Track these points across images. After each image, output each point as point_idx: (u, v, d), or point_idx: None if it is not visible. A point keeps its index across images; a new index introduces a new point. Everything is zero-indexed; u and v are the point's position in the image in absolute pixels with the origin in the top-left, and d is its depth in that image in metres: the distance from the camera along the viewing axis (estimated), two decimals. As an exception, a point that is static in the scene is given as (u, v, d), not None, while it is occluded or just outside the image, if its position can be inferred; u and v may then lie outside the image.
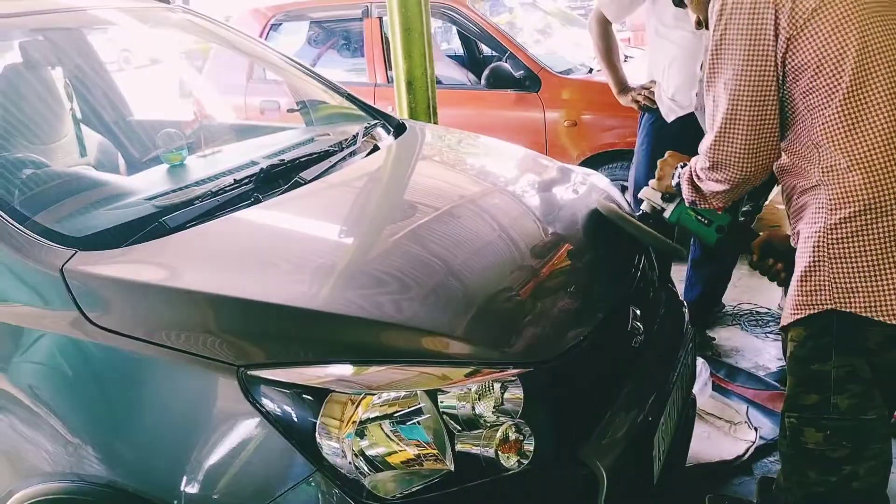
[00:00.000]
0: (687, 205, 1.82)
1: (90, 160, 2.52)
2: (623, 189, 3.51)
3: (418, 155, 2.41)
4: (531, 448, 1.40)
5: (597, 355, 1.61)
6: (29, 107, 2.44)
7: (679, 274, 3.40)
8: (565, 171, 2.33)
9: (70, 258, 1.46)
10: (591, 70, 4.38)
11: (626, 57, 4.70)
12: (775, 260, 1.83)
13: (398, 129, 2.46)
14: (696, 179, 1.70)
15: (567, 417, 1.49)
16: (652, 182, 1.96)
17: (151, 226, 1.60)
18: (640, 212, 2.00)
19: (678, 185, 1.81)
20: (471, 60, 5.30)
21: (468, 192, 2.09)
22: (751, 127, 1.51)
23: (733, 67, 1.50)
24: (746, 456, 2.45)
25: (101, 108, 2.78)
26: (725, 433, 2.58)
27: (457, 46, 5.62)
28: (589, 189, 2.22)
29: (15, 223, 1.50)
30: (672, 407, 1.77)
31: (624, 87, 3.14)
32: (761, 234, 1.90)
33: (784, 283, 1.82)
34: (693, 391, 2.51)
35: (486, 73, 4.32)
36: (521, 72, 4.24)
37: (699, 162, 1.66)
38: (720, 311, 3.41)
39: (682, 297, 3.11)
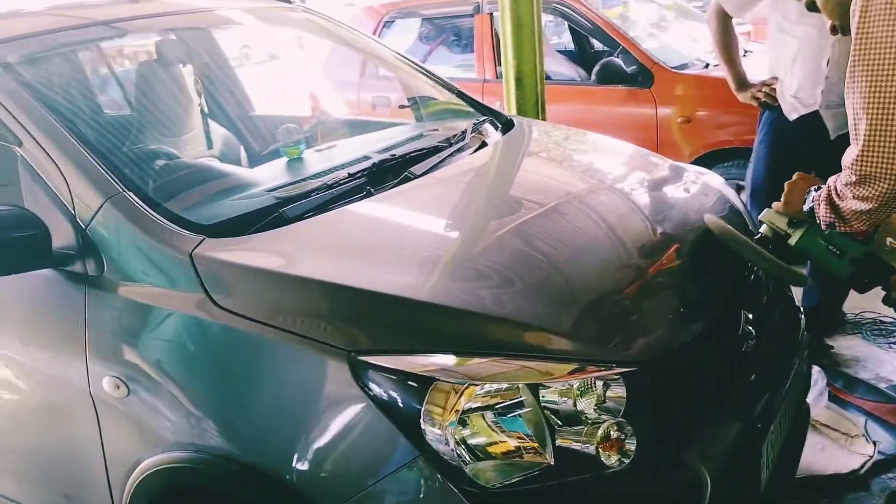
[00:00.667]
0: (824, 228, 1.68)
1: (215, 152, 2.67)
2: (738, 189, 3.41)
3: (525, 151, 2.42)
4: (633, 447, 1.39)
5: (704, 358, 1.58)
6: (161, 101, 2.61)
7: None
8: (677, 170, 2.28)
9: (199, 244, 1.56)
10: (707, 65, 4.25)
11: (746, 52, 4.53)
12: None
13: (506, 125, 2.48)
14: (835, 198, 1.58)
15: (671, 419, 1.47)
16: (776, 205, 1.83)
17: (272, 216, 1.69)
18: (759, 234, 1.86)
19: (811, 209, 1.69)
20: (581, 55, 5.24)
21: (574, 189, 2.08)
22: None
23: (880, 70, 1.40)
24: (863, 470, 2.33)
25: (227, 104, 2.93)
26: (841, 446, 2.47)
27: (567, 41, 5.58)
28: (702, 189, 2.17)
29: (149, 209, 1.61)
30: (783, 415, 1.72)
31: (743, 84, 3.04)
32: None
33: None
34: (807, 401, 2.43)
35: (596, 68, 4.27)
36: (633, 67, 4.17)
37: (842, 178, 1.54)
38: (840, 318, 3.25)
39: (799, 303, 3.01)
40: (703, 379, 1.58)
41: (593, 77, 4.31)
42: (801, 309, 2.18)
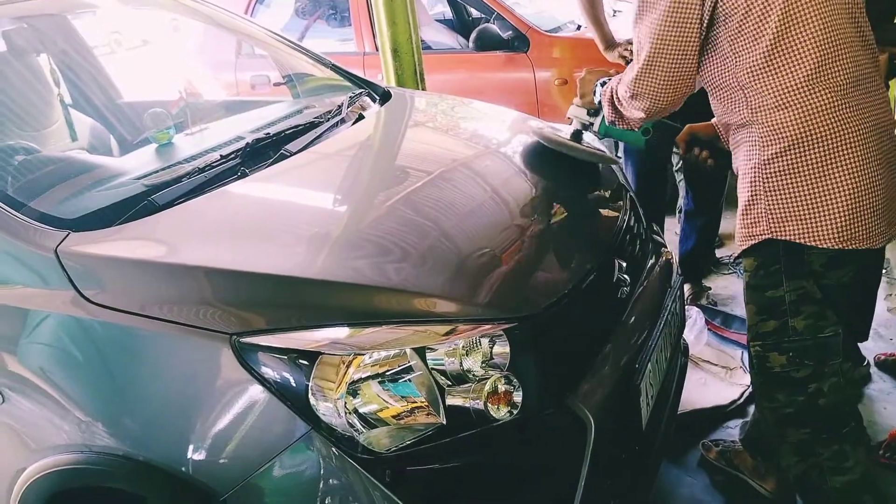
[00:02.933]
0: (608, 123, 1.92)
1: (82, 144, 2.54)
2: (616, 145, 3.54)
3: (403, 121, 2.43)
4: (520, 399, 1.45)
5: (582, 308, 1.65)
6: (17, 94, 2.46)
7: (674, 227, 3.44)
8: (549, 131, 2.34)
9: (63, 239, 1.50)
10: (579, 27, 4.36)
11: (616, 12, 4.68)
12: (700, 149, 1.96)
13: (384, 97, 2.48)
14: (616, 103, 1.80)
15: (554, 368, 1.54)
16: (576, 100, 2.05)
17: (141, 204, 1.64)
18: (572, 130, 2.08)
19: (600, 102, 1.91)
20: (460, 24, 5.27)
21: (451, 156, 2.11)
22: (672, 66, 1.61)
23: (660, 11, 1.57)
24: (741, 399, 2.50)
25: (90, 92, 2.79)
26: (721, 379, 2.63)
27: (447, 11, 5.59)
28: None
29: (6, 207, 1.54)
30: (660, 353, 1.82)
31: (610, 44, 3.13)
32: (684, 128, 2.00)
33: (714, 170, 1.98)
34: (688, 339, 2.58)
35: (473, 35, 4.31)
36: (509, 32, 4.23)
37: (620, 89, 1.75)
38: (715, 261, 3.44)
39: (676, 249, 3.17)
40: (582, 327, 1.65)
41: (471, 44, 4.35)
42: (674, 253, 2.30)
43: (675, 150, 2.06)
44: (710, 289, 3.21)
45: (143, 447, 1.41)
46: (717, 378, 2.64)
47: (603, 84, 1.90)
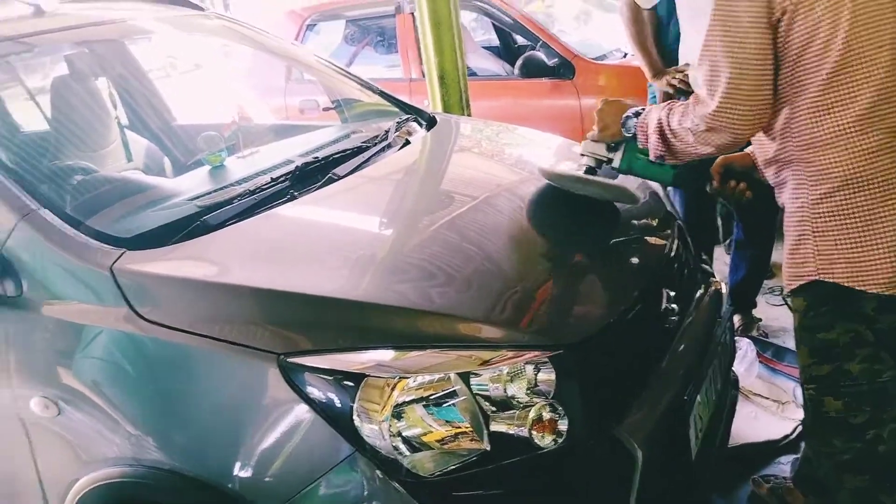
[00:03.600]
0: (653, 158, 1.73)
1: (138, 165, 2.62)
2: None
3: (448, 146, 2.45)
4: (565, 427, 1.43)
5: (628, 337, 1.63)
6: (77, 116, 2.55)
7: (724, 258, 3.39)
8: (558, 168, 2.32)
9: (119, 258, 1.53)
10: (625, 55, 4.35)
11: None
12: (737, 182, 1.84)
13: (430, 122, 2.50)
14: (669, 136, 1.66)
15: (601, 397, 1.51)
16: (591, 134, 1.88)
17: (193, 224, 1.67)
18: (584, 167, 1.91)
19: (634, 135, 1.75)
20: (506, 51, 5.31)
21: (496, 181, 2.12)
22: (753, 95, 1.50)
23: (734, 39, 1.49)
24: (794, 435, 2.43)
25: (146, 115, 2.88)
26: (773, 413, 2.56)
27: (493, 38, 5.64)
28: (623, 176, 2.23)
29: (66, 225, 1.58)
30: (709, 385, 1.78)
31: (658, 71, 3.11)
32: (718, 159, 1.85)
33: (750, 202, 1.86)
34: (738, 371, 2.52)
35: (519, 62, 4.33)
36: (555, 59, 4.24)
37: (685, 122, 1.61)
38: (768, 292, 3.38)
39: (726, 280, 3.11)
40: (630, 356, 1.63)
41: (517, 71, 4.37)
42: (724, 284, 2.26)
43: (708, 184, 1.91)
44: (760, 320, 3.14)
45: (191, 463, 1.43)
46: (768, 412, 2.57)
47: (637, 115, 1.75)
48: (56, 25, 2.37)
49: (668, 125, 1.66)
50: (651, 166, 1.82)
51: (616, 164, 1.86)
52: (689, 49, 2.87)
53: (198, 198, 1.82)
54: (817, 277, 1.57)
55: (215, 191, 1.87)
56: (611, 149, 1.86)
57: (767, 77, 1.50)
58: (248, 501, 1.38)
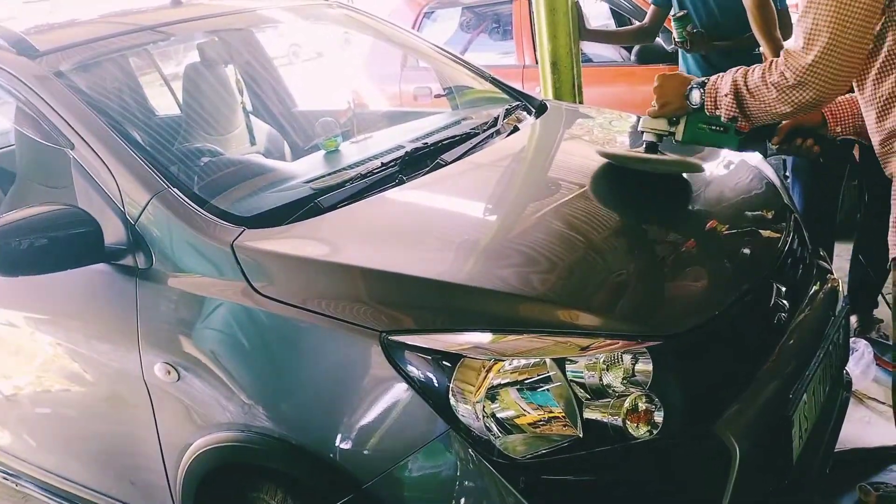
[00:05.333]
0: (725, 120, 1.74)
1: (259, 148, 2.76)
2: (784, 164, 3.36)
3: (557, 134, 2.45)
4: (660, 419, 1.42)
5: (733, 330, 1.60)
6: (207, 101, 2.72)
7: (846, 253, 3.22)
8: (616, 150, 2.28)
9: (239, 235, 1.64)
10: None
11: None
12: (804, 138, 1.86)
13: (539, 109, 2.51)
14: (746, 96, 1.66)
15: (700, 391, 1.50)
16: (650, 110, 1.89)
17: (308, 206, 1.76)
18: (644, 143, 1.92)
19: (700, 104, 1.77)
20: (623, 36, 5.19)
21: (600, 170, 2.10)
22: (849, 55, 1.49)
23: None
24: (910, 442, 2.30)
25: (269, 101, 3.03)
26: (888, 418, 2.43)
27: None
28: (739, 166, 2.17)
29: (193, 204, 1.70)
30: (817, 385, 1.72)
31: (781, 58, 2.99)
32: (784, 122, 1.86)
33: (819, 156, 1.88)
34: (852, 373, 2.41)
35: (635, 48, 4.24)
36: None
37: (768, 78, 1.60)
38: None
39: (846, 278, 2.96)
40: (733, 351, 1.60)
41: (633, 57, 4.28)
42: (841, 281, 2.16)
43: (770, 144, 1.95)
44: (881, 321, 2.98)
45: (297, 431, 1.52)
46: (883, 417, 2.44)
47: (702, 85, 1.77)
48: (190, 15, 2.54)
49: (746, 84, 1.66)
50: (716, 135, 1.83)
51: (679, 136, 1.87)
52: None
53: (313, 181, 1.91)
54: None
55: (329, 174, 1.96)
56: (672, 123, 1.88)
57: (869, 38, 1.50)
58: (346, 471, 1.45)
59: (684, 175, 2.03)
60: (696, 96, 1.79)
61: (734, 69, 1.71)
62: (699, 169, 1.99)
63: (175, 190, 1.72)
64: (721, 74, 1.74)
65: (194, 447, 1.64)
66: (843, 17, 1.47)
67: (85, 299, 1.83)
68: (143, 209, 1.69)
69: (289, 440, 1.52)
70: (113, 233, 1.70)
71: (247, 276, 1.57)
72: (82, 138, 1.77)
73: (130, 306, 1.69)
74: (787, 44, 1.61)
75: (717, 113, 1.75)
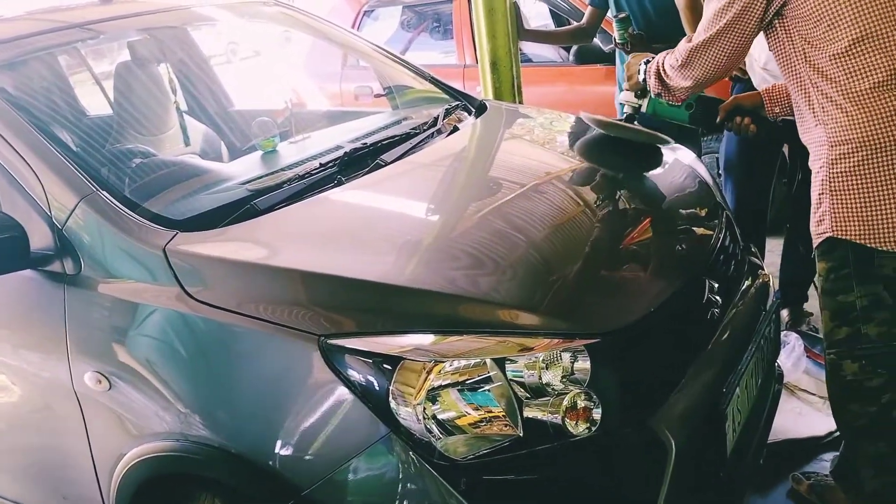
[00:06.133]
0: (653, 96, 2.04)
1: (195, 149, 2.70)
2: (717, 162, 3.45)
3: (497, 134, 2.46)
4: (599, 416, 1.44)
5: (668, 327, 1.62)
6: (139, 101, 2.64)
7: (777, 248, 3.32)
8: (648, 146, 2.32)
9: (172, 238, 1.60)
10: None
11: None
12: (742, 117, 2.04)
13: (479, 109, 2.52)
14: (663, 74, 1.93)
15: (636, 387, 1.52)
16: (624, 84, 2.17)
17: (244, 208, 1.73)
18: (624, 115, 2.21)
19: (645, 80, 2.03)
20: (562, 37, 5.25)
21: (542, 169, 2.12)
22: (729, 48, 1.73)
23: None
24: (838, 431, 2.38)
25: (205, 100, 2.96)
26: (818, 409, 2.51)
27: (550, 24, 5.59)
28: (672, 164, 2.22)
29: (123, 207, 1.65)
30: (750, 378, 1.77)
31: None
32: (730, 98, 2.10)
33: (756, 136, 2.05)
34: (784, 366, 2.48)
35: (573, 48, 4.29)
36: (611, 45, 4.18)
37: (670, 59, 1.89)
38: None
39: (777, 273, 3.05)
40: (668, 347, 1.63)
41: (571, 58, 4.33)
42: (770, 275, 2.22)
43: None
44: (811, 315, 3.07)
45: (235, 439, 1.49)
46: (813, 408, 2.52)
47: (647, 63, 2.02)
48: (121, 12, 2.47)
49: (662, 64, 1.93)
50: (670, 108, 2.11)
51: (644, 108, 2.17)
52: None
53: (248, 182, 1.88)
54: (831, 234, 1.65)
55: (265, 175, 1.93)
56: (638, 95, 2.16)
57: (748, 36, 1.71)
58: (286, 478, 1.43)
59: (620, 174, 2.09)
60: (641, 73, 2.07)
61: (665, 51, 1.96)
62: (667, 142, 2.23)
63: (104, 193, 1.67)
64: (659, 55, 1.98)
65: (128, 458, 1.59)
66: (728, 23, 1.68)
67: (11, 307, 1.76)
68: (71, 213, 1.63)
69: (227, 448, 1.48)
70: (39, 238, 1.64)
71: (180, 281, 1.54)
72: (5, 140, 1.70)
73: (59, 314, 1.63)
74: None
75: (651, 89, 2.01)
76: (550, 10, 5.17)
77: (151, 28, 2.72)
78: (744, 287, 1.98)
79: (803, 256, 3.01)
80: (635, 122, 2.19)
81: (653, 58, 2.01)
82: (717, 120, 2.10)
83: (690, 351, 1.68)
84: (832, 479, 2.07)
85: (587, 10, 3.62)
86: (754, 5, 1.67)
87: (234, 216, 1.70)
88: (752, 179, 2.95)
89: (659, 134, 2.20)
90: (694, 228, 1.98)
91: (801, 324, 3.02)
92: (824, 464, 2.27)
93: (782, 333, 2.64)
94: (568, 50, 4.65)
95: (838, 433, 2.36)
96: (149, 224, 1.63)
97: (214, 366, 1.52)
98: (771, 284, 2.10)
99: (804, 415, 2.49)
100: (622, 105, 2.22)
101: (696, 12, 3.04)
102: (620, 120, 2.25)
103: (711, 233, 1.94)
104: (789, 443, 2.34)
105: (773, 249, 3.37)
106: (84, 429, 1.66)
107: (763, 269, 2.14)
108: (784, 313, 3.02)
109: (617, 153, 2.17)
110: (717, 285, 1.79)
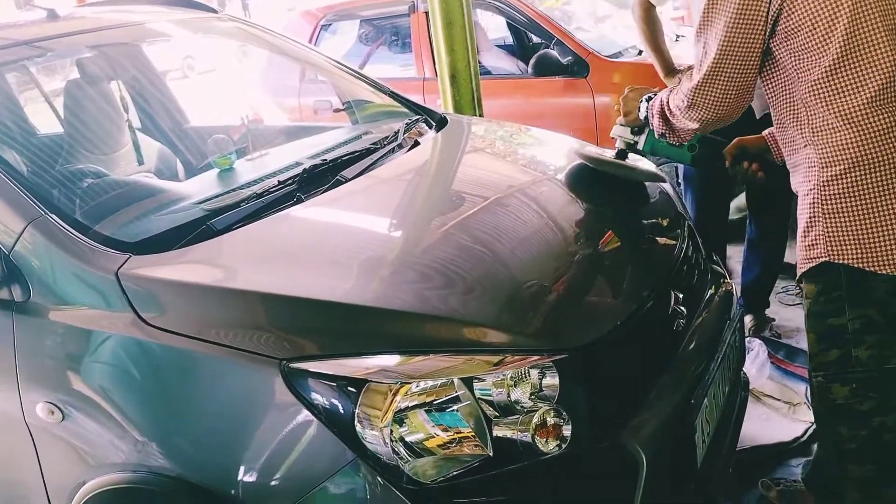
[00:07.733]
0: (657, 137, 1.91)
1: (149, 168, 2.63)
2: (676, 171, 3.48)
3: (458, 147, 2.44)
4: (569, 433, 1.42)
5: (635, 340, 1.62)
6: (90, 119, 2.57)
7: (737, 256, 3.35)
8: (590, 151, 2.32)
9: (125, 262, 1.54)
10: (640, 52, 4.31)
11: (679, 36, 4.62)
12: (749, 162, 1.92)
13: (440, 123, 2.50)
14: (668, 115, 1.79)
15: (606, 402, 1.51)
16: (619, 119, 2.05)
17: (199, 229, 1.68)
18: (616, 150, 2.09)
19: (646, 118, 1.91)
20: (521, 49, 5.28)
21: (505, 183, 2.11)
22: (733, 78, 1.60)
23: (725, 23, 1.56)
24: (805, 436, 2.40)
25: (159, 118, 2.90)
26: (784, 415, 2.54)
27: (507, 36, 5.62)
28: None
29: (72, 230, 1.59)
30: (717, 388, 1.77)
31: (671, 70, 3.08)
32: (734, 141, 1.97)
33: (762, 182, 1.92)
34: (749, 372, 2.50)
35: (532, 60, 4.31)
36: (569, 57, 4.21)
37: (675, 100, 1.74)
38: (781, 291, 3.33)
39: (739, 280, 3.08)
40: (636, 359, 1.62)
41: (530, 70, 4.34)
42: (735, 284, 2.24)
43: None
44: (773, 320, 3.11)
45: (195, 469, 1.44)
46: (779, 413, 2.54)
47: (648, 99, 1.90)
48: (70, 29, 2.40)
49: (667, 104, 1.79)
50: (671, 148, 1.98)
51: (641, 146, 2.03)
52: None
53: (204, 201, 1.83)
54: (826, 259, 1.58)
55: (222, 194, 1.88)
56: (635, 132, 2.03)
57: (752, 64, 1.59)
58: (250, 507, 1.38)
59: (582, 188, 2.08)
60: (643, 110, 1.93)
61: (668, 88, 1.83)
62: (662, 179, 2.16)
63: (53, 216, 1.60)
64: (663, 91, 1.84)
65: (83, 491, 1.53)
66: (723, 49, 1.57)
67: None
68: (18, 237, 1.57)
69: (187, 479, 1.43)
70: (-16, 265, 1.57)
71: (134, 307, 1.48)
72: (-54, 162, 1.64)
73: (7, 343, 1.56)
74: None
75: (655, 129, 1.88)
76: (508, 22, 5.19)
77: (102, 45, 2.65)
78: (708, 296, 1.98)
79: (763, 263, 3.07)
80: (627, 158, 2.08)
81: (654, 94, 1.89)
82: (725, 165, 1.96)
83: (658, 363, 1.68)
84: (802, 485, 2.08)
85: None
86: (754, 18, 1.54)
87: (190, 237, 1.65)
88: (711, 188, 2.98)
89: (656, 171, 2.15)
90: (657, 239, 1.99)
91: (764, 329, 3.05)
92: (793, 469, 2.29)
93: (746, 340, 2.65)
94: (527, 62, 4.68)
95: (805, 438, 2.39)
96: (100, 247, 1.57)
97: (172, 393, 1.47)
98: (734, 292, 2.12)
99: (770, 420, 2.51)
100: (614, 139, 2.09)
101: (652, 26, 3.08)
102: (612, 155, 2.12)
103: (674, 243, 1.94)
104: (757, 449, 2.35)
105: (733, 256, 3.41)
106: (37, 462, 1.60)
107: (726, 277, 2.15)
108: (747, 319, 3.04)
109: (580, 168, 2.15)
110: (681, 296, 1.79)
